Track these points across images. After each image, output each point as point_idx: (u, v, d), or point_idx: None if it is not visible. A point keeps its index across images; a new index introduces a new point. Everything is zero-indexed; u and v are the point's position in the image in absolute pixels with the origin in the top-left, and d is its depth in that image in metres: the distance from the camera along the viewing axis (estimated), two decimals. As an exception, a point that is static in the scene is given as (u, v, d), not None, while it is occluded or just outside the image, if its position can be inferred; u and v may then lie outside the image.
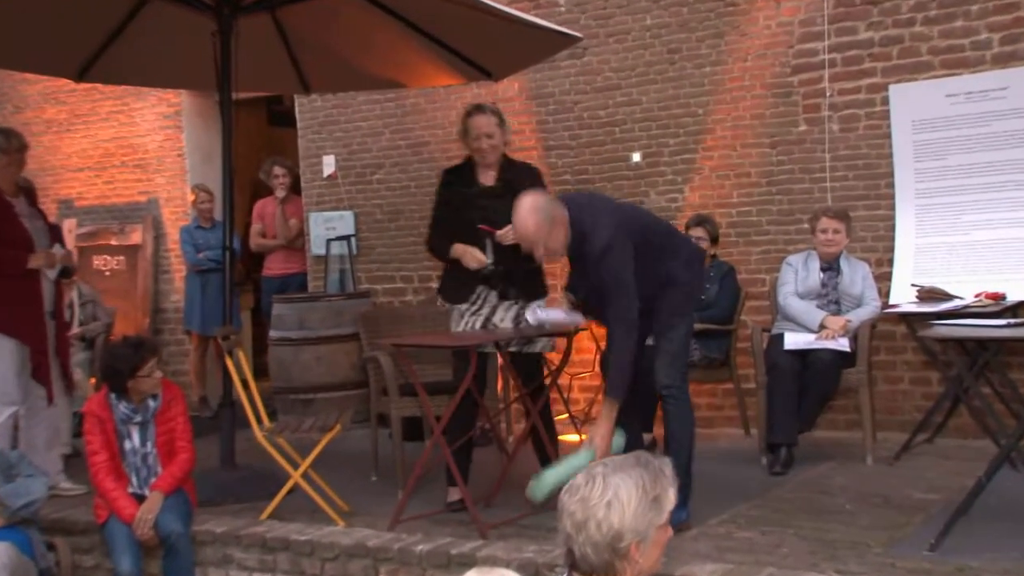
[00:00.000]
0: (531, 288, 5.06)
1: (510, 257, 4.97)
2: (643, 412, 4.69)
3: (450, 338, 5.10)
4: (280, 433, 5.16)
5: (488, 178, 5.13)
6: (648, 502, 2.10)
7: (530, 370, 5.17)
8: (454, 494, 5.01)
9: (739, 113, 6.59)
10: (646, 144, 6.88)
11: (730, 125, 6.62)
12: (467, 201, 5.08)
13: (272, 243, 8.07)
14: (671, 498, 2.13)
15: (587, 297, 4.57)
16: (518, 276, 4.98)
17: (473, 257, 4.96)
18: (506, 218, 4.96)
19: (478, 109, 5.09)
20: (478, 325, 5.08)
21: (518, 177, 5.09)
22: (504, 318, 5.08)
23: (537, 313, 4.57)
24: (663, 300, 4.42)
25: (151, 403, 4.62)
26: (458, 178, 5.19)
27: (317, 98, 8.06)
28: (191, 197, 8.16)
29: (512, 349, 5.09)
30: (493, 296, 5.05)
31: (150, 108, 8.92)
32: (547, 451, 5.21)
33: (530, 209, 4.26)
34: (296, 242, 8.10)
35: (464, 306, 5.11)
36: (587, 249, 4.26)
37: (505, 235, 4.90)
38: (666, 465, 2.16)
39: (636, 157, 6.86)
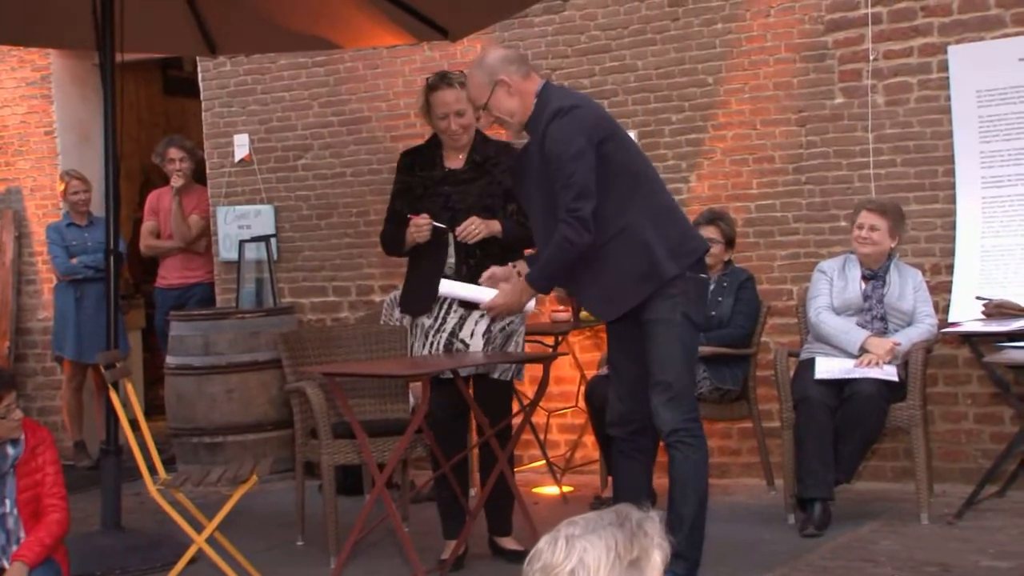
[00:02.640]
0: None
1: (479, 255, 4.95)
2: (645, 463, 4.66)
3: (397, 365, 5.07)
4: (179, 486, 5.11)
5: (455, 160, 5.14)
6: (623, 568, 2.09)
7: (497, 404, 5.16)
8: (447, 549, 5.08)
9: (759, 82, 6.61)
10: (642, 120, 6.89)
11: (748, 97, 6.64)
12: (426, 188, 5.08)
13: (166, 245, 8.01)
14: (656, 563, 2.11)
15: (527, 211, 4.59)
16: None
17: (416, 228, 4.99)
18: (473, 207, 4.95)
19: (444, 80, 5.09)
20: (442, 344, 5.06)
21: (493, 157, 5.08)
22: (474, 332, 5.08)
23: (443, 287, 4.69)
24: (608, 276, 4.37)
25: (10, 451, 4.54)
26: (419, 160, 5.19)
27: (226, 62, 8.01)
28: (60, 187, 8.08)
29: (469, 373, 5.10)
30: (457, 305, 5.03)
31: (9, 73, 8.83)
32: (503, 514, 5.19)
33: (476, 63, 4.55)
34: (197, 244, 8.05)
35: (427, 320, 5.09)
36: (538, 122, 4.38)
37: (467, 230, 4.88)
38: (648, 521, 2.15)
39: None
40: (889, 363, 5.54)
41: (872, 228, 5.71)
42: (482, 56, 4.55)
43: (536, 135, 4.41)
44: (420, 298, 5.10)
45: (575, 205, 4.25)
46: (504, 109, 4.46)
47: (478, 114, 4.58)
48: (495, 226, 5.00)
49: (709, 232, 6.12)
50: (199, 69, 8.23)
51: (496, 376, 5.12)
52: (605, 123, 4.41)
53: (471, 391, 5.13)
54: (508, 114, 4.47)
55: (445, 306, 5.06)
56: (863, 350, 5.57)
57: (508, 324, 5.10)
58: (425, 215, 5.00)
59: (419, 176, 5.14)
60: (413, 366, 4.92)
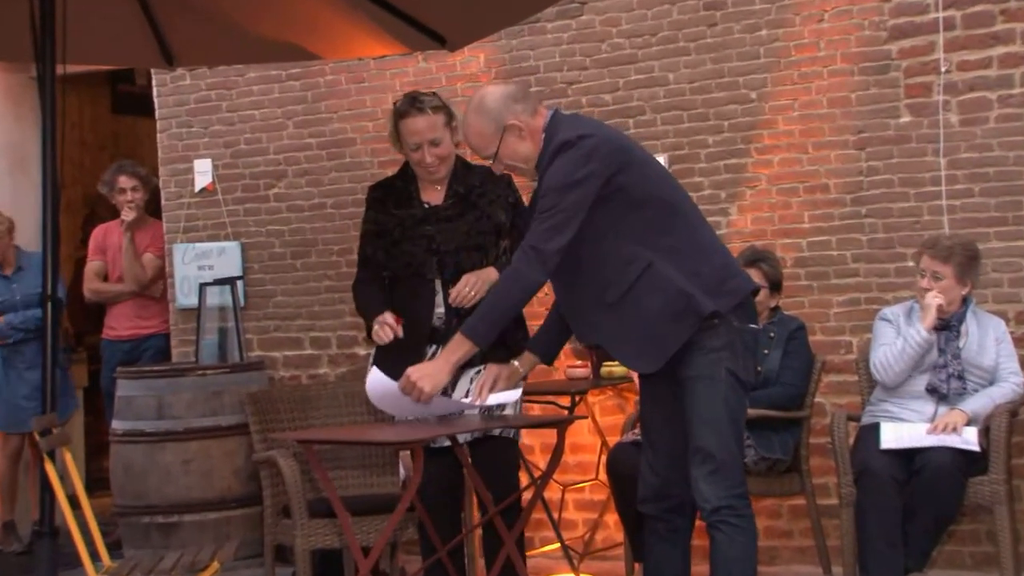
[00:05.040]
0: (506, 347, 5.00)
1: (473, 307, 4.94)
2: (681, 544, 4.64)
3: (385, 431, 5.02)
4: (127, 575, 5.06)
5: (434, 194, 5.12)
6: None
7: (502, 472, 5.10)
8: None
9: (811, 97, 6.61)
10: (674, 143, 6.89)
11: (797, 116, 6.64)
12: (405, 229, 5.07)
13: (116, 289, 8.00)
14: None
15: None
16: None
17: (382, 328, 5.00)
18: (462, 248, 4.95)
19: (413, 104, 5.09)
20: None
21: (478, 187, 5.07)
22: (469, 391, 5.01)
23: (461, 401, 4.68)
24: (620, 329, 4.39)
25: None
26: (391, 195, 5.18)
27: (185, 74, 8.03)
28: None
29: (466, 439, 5.07)
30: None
31: (-65, 88, 8.86)
32: None
33: (475, 108, 4.49)
34: (152, 288, 8.03)
35: None
36: (543, 159, 4.40)
37: (461, 295, 4.89)
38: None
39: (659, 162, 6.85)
40: (967, 428, 5.50)
41: (935, 276, 5.70)
42: (480, 99, 4.51)
43: (541, 174, 4.43)
44: (403, 358, 5.04)
45: (545, 237, 4.29)
46: (518, 155, 4.47)
47: (490, 161, 4.56)
48: (493, 276, 4.98)
49: (750, 274, 6.09)
50: (154, 83, 8.23)
51: (497, 433, 5.09)
52: (621, 154, 4.39)
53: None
54: (523, 160, 4.49)
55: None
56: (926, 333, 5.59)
57: None
58: (392, 317, 4.98)
59: (394, 215, 5.11)
60: (403, 432, 4.87)
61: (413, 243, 5.06)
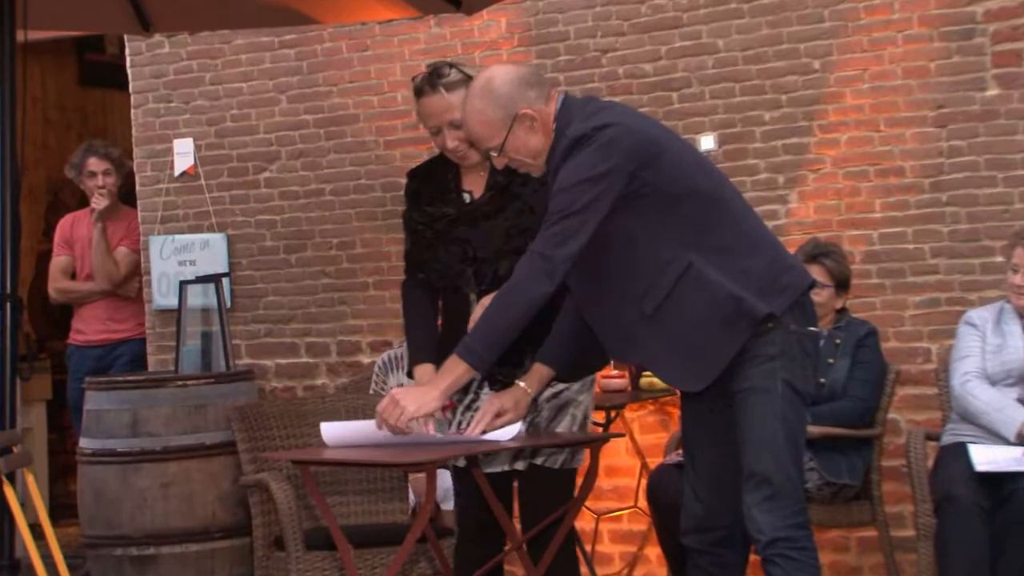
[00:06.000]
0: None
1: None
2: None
3: (392, 450, 5.00)
4: (96, 617, 5.06)
5: (477, 180, 5.06)
6: None
7: (551, 503, 5.04)
8: None
9: (883, 67, 6.59)
10: (725, 120, 6.88)
11: (867, 89, 6.62)
12: (437, 232, 5.03)
13: (86, 287, 8.01)
14: None
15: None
16: (530, 346, 4.88)
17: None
18: (501, 252, 4.95)
19: (430, 82, 5.03)
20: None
21: (520, 176, 5.03)
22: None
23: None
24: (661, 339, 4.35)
25: None
26: (427, 184, 5.14)
27: (164, 41, 8.05)
28: None
29: (513, 467, 5.02)
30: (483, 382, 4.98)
31: None
32: None
33: (480, 93, 4.42)
34: (127, 287, 8.04)
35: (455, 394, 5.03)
36: (553, 155, 4.38)
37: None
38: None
39: (708, 142, 6.86)
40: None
41: None
42: (486, 81, 4.45)
43: (552, 172, 4.40)
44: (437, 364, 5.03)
45: (554, 242, 4.25)
46: (528, 150, 4.42)
47: (495, 155, 4.51)
48: None
49: (812, 270, 6.06)
50: (127, 52, 8.26)
51: (540, 462, 5.03)
52: (647, 146, 4.34)
53: (515, 488, 5.04)
54: (532, 155, 4.44)
55: (474, 384, 4.98)
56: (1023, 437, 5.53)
57: (563, 390, 5.00)
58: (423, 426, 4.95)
59: (427, 212, 5.06)
60: (414, 451, 4.83)
61: (447, 249, 5.01)
